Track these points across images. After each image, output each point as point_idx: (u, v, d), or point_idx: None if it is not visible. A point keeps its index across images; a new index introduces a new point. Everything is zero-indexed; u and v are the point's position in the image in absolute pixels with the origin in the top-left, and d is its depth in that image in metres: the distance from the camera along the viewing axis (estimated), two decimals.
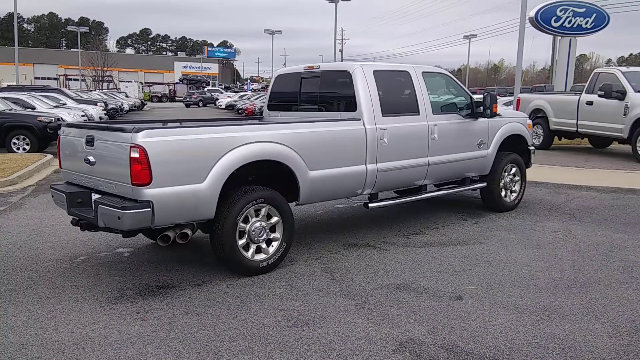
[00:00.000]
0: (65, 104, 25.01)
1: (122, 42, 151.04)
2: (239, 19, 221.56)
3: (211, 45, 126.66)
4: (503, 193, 8.28)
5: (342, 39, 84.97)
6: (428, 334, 4.20)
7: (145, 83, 79.66)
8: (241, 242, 5.42)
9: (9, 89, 28.23)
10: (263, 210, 5.56)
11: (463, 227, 7.47)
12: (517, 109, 16.11)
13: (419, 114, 6.92)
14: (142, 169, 4.73)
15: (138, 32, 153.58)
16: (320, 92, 7.01)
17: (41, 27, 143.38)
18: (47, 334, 4.18)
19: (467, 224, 7.61)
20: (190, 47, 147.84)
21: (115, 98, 39.58)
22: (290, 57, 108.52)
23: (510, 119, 8.27)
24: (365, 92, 6.43)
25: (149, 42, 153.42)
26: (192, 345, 4.01)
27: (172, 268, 5.77)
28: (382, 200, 6.85)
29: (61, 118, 16.97)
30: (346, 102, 6.58)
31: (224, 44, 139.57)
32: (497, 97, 26.68)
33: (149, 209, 4.78)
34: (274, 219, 5.65)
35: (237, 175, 5.56)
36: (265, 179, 5.96)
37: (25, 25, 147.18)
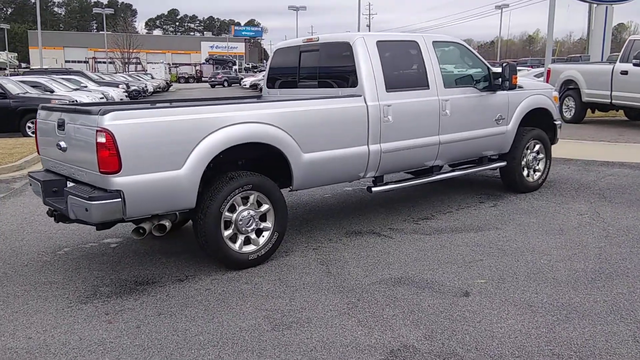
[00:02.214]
0: (86, 87, 24.95)
1: (151, 24, 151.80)
2: None
3: (238, 24, 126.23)
4: (525, 172, 7.63)
5: (369, 14, 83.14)
6: (424, 339, 3.69)
7: (173, 64, 79.72)
8: (227, 233, 4.96)
9: (31, 72, 28.26)
10: (251, 197, 5.08)
11: (479, 210, 6.87)
12: (547, 81, 15.25)
13: (428, 88, 6.31)
14: (109, 155, 4.28)
15: (166, 13, 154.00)
16: (320, 67, 6.45)
17: (71, 10, 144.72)
18: (1, 341, 3.80)
19: (484, 207, 7.00)
20: (217, 27, 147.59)
21: (139, 80, 39.55)
22: (317, 34, 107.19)
23: (533, 91, 7.58)
24: (367, 65, 5.85)
25: (177, 23, 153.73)
26: (156, 354, 3.57)
27: (157, 261, 5.36)
28: (387, 183, 6.30)
29: (76, 101, 16.74)
30: (347, 77, 6.02)
31: (251, 23, 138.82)
32: (530, 68, 25.31)
33: (119, 200, 4.34)
34: (264, 207, 5.17)
35: (224, 160, 5.11)
36: (257, 163, 5.49)
37: (55, 9, 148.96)
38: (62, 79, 24.06)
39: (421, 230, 6.12)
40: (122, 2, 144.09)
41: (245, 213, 5.03)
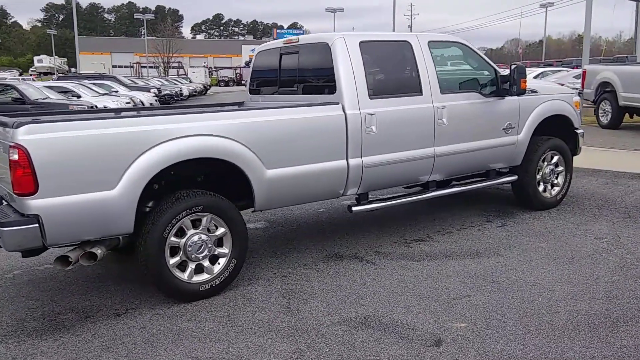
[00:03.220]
0: (116, 92, 24.95)
1: (197, 29, 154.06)
2: (309, 0, 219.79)
3: (281, 27, 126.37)
4: (541, 187, 6.79)
5: (411, 15, 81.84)
6: None
7: (214, 68, 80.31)
8: (174, 260, 4.37)
9: (65, 77, 28.56)
10: (204, 220, 4.47)
11: (483, 231, 6.08)
12: (582, 83, 14.19)
13: (421, 94, 5.59)
14: (23, 175, 3.74)
15: (211, 18, 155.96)
16: (299, 71, 5.81)
17: (121, 16, 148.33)
18: None
19: (490, 228, 6.21)
20: (261, 30, 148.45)
21: (176, 84, 39.61)
22: None
23: (549, 96, 6.73)
24: (347, 68, 5.17)
25: (222, 27, 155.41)
26: None
27: (105, 289, 4.80)
28: (371, 201, 5.59)
29: (95, 106, 16.54)
30: (325, 83, 5.35)
31: (294, 26, 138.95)
32: (575, 68, 23.94)
33: (36, 225, 3.79)
34: (220, 231, 4.56)
35: (178, 177, 4.56)
36: (219, 180, 4.89)
37: (106, 15, 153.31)
38: (93, 84, 24.08)
39: (410, 255, 5.39)
40: (169, 8, 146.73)
41: (195, 238, 4.42)
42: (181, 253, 4.40)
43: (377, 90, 5.35)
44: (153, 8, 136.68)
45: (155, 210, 4.29)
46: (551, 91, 6.87)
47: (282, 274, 5.03)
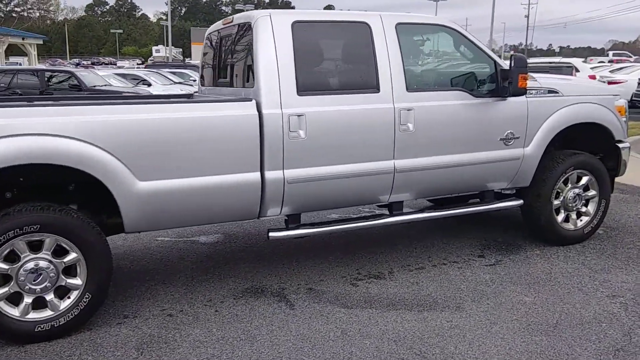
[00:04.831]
0: (194, 80, 24.91)
1: None
2: None
3: None
4: (561, 216, 5.24)
5: (529, 4, 76.62)
6: None
7: None
8: (1, 291, 3.48)
9: (153, 65, 29.16)
10: (47, 241, 3.54)
11: (463, 271, 4.70)
12: None
13: (377, 91, 4.31)
14: None
15: (322, 9, 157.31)
16: (231, 58, 4.74)
17: (237, 9, 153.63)
18: None
19: (476, 266, 4.80)
20: None
21: None
22: (471, 27, 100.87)
23: (576, 98, 5.13)
24: (268, 56, 4.03)
25: None
26: None
27: None
28: (299, 226, 4.38)
29: (150, 93, 16.30)
30: (247, 72, 4.25)
31: None
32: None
33: None
34: (71, 256, 3.61)
35: (44, 184, 3.71)
36: (94, 190, 3.94)
37: (223, 7, 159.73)
38: (172, 72, 24.24)
39: (346, 298, 4.16)
40: (282, 0, 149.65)
41: (31, 265, 3.51)
42: (12, 283, 3.51)
43: (311, 85, 4.16)
44: (267, 1, 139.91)
45: None
46: (580, 92, 5.24)
47: (170, 311, 4.01)
